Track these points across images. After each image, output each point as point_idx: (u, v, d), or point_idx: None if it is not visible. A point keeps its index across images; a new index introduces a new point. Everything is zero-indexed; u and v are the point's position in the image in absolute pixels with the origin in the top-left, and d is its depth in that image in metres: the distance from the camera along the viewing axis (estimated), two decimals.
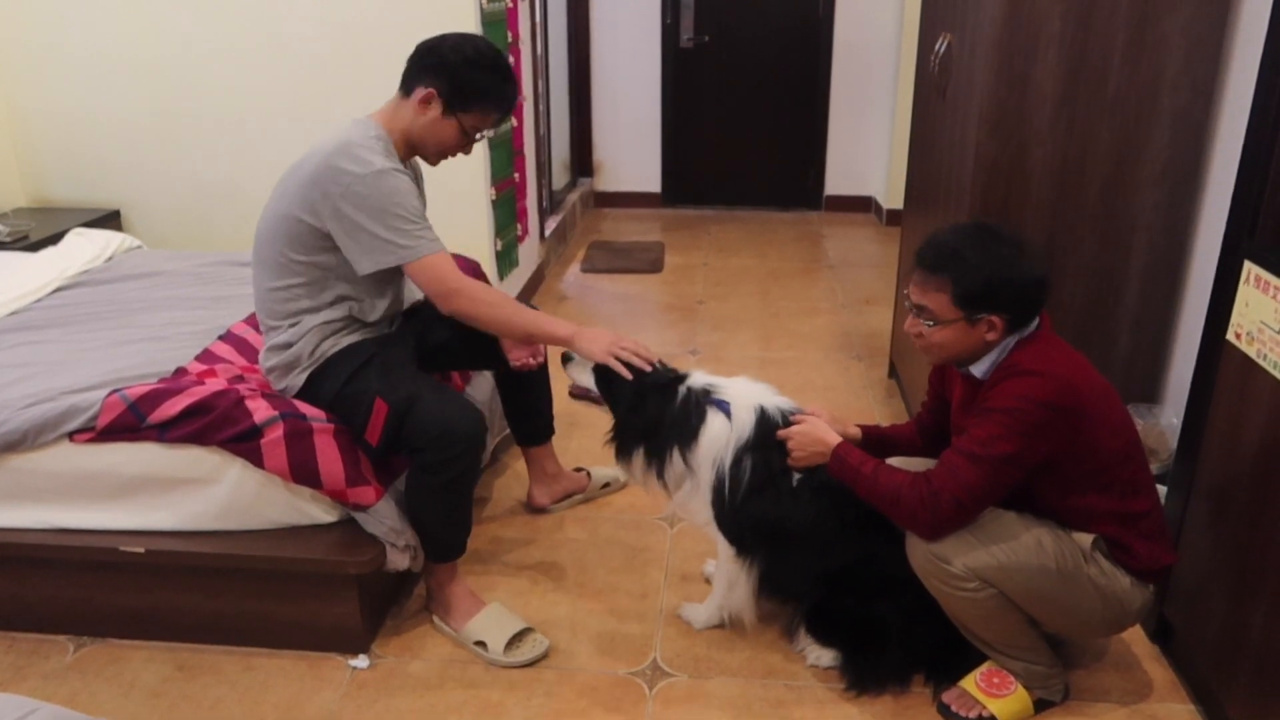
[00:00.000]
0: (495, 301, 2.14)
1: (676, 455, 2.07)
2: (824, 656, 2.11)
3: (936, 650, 2.02)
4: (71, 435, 2.10)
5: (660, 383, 2.11)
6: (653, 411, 2.08)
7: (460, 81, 2.09)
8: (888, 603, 2.01)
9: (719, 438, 2.05)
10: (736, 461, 2.04)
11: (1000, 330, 1.80)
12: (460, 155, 2.22)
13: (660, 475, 2.10)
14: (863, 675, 2.06)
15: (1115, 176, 2.44)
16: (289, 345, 2.16)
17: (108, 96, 3.80)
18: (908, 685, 2.06)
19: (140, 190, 3.94)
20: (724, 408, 2.07)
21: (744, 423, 2.05)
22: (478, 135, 2.18)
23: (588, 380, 2.19)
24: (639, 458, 2.12)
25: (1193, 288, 2.52)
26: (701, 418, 2.06)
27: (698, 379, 2.13)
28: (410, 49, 2.16)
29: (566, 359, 2.22)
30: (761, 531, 2.06)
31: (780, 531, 2.05)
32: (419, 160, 2.26)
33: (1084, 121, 2.40)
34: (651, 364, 2.13)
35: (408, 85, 2.13)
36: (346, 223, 2.03)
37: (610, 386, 2.15)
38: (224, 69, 3.72)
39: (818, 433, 2.00)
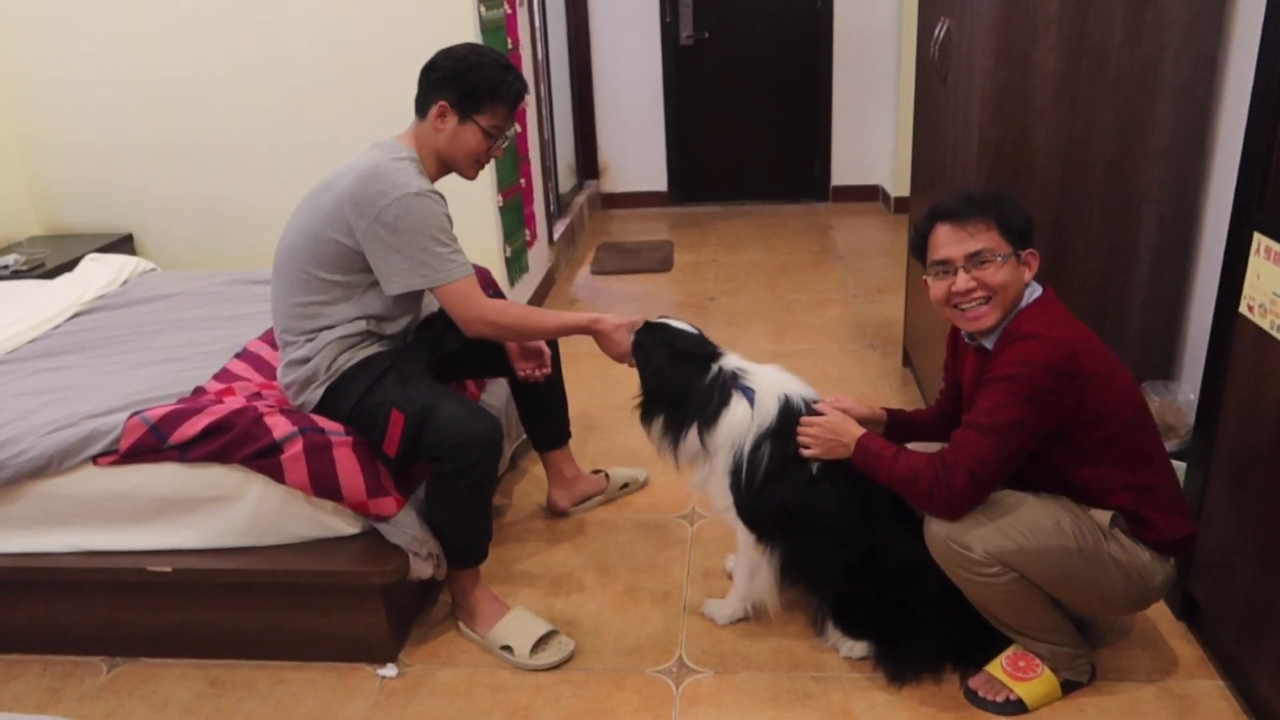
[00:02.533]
0: (518, 316, 2.20)
1: (693, 434, 2.08)
2: (856, 648, 2.11)
3: (964, 635, 2.02)
4: (95, 459, 2.12)
5: (694, 353, 2.13)
6: (679, 381, 2.10)
7: (463, 85, 2.12)
8: (912, 590, 2.00)
9: (739, 424, 2.05)
10: (755, 448, 2.04)
11: (1035, 267, 1.85)
12: (493, 160, 2.26)
13: (674, 448, 2.12)
14: (900, 665, 2.06)
15: (1120, 154, 2.44)
16: (306, 360, 2.18)
17: (116, 123, 3.84)
18: (941, 672, 2.06)
19: (152, 213, 3.98)
20: (749, 394, 2.07)
21: (767, 411, 2.06)
22: (501, 135, 2.20)
23: (626, 341, 2.23)
24: (658, 425, 2.14)
25: (1203, 262, 2.51)
26: (725, 401, 2.07)
27: (730, 360, 2.14)
28: (412, 63, 2.21)
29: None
30: (781, 519, 2.07)
31: (800, 519, 2.06)
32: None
33: (1086, 100, 2.39)
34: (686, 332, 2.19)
35: (422, 107, 2.17)
36: (380, 244, 2.06)
37: (644, 352, 2.18)
38: (229, 91, 3.75)
39: (841, 425, 2.00)
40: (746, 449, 2.05)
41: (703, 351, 2.14)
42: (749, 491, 2.05)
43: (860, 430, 1.99)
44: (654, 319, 2.24)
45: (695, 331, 2.21)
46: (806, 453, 2.02)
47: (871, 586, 2.05)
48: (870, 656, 2.10)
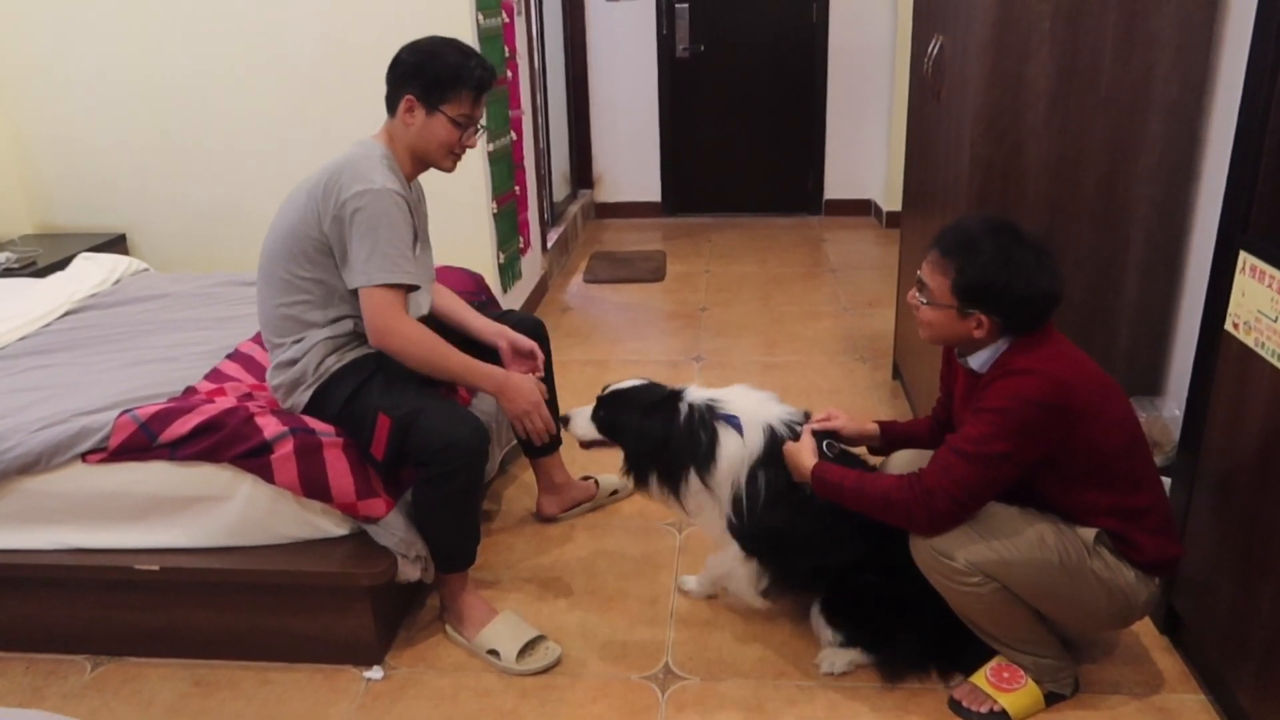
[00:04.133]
0: (427, 344, 2.13)
1: (694, 477, 2.07)
2: (838, 663, 2.12)
3: (950, 639, 2.03)
4: (84, 456, 2.12)
5: (656, 402, 2.12)
6: (658, 433, 2.09)
7: (426, 77, 2.13)
8: (902, 585, 1.99)
9: (735, 456, 2.05)
10: (751, 478, 2.05)
11: (988, 330, 1.81)
12: (469, 152, 2.25)
13: (677, 497, 2.11)
14: (891, 661, 2.08)
15: (1110, 172, 2.46)
16: (294, 362, 2.19)
17: (111, 122, 3.84)
18: (929, 669, 2.09)
19: (145, 213, 3.98)
20: (734, 423, 2.07)
21: (755, 439, 2.06)
22: (473, 124, 2.19)
23: (590, 431, 2.22)
24: (654, 483, 2.13)
25: (1191, 279, 2.53)
26: (713, 436, 2.06)
27: (695, 393, 2.14)
28: None
29: (565, 421, 2.26)
30: (775, 540, 2.08)
31: (794, 538, 2.07)
32: (420, 181, 2.30)
33: (1078, 118, 2.42)
34: (553, 434, 2.19)
35: (391, 104, 2.18)
36: (339, 237, 2.07)
37: (612, 425, 2.18)
38: (225, 91, 3.76)
39: (796, 458, 2.00)
40: (743, 480, 2.05)
41: (662, 396, 2.14)
42: (752, 520, 2.06)
43: (811, 461, 1.98)
44: (601, 392, 2.23)
45: (645, 381, 2.22)
46: (796, 480, 2.03)
47: (863, 581, 2.06)
48: (851, 670, 2.11)
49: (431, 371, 2.17)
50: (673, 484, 2.10)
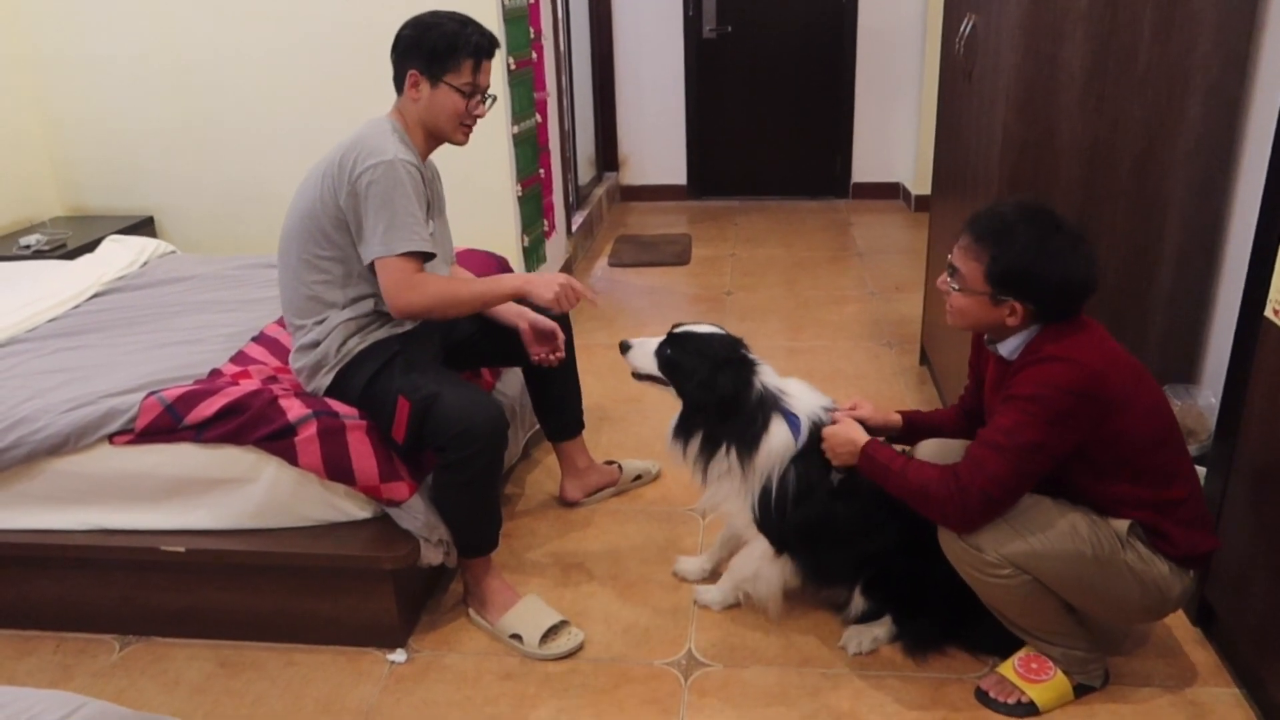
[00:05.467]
0: (445, 290, 2.12)
1: (733, 453, 2.04)
2: (864, 641, 2.11)
3: (982, 618, 1.99)
4: (111, 438, 2.14)
5: (733, 360, 2.07)
6: (727, 387, 2.03)
7: (425, 49, 2.12)
8: (933, 566, 1.96)
9: (780, 450, 2.02)
10: (783, 475, 2.03)
11: (1021, 317, 1.78)
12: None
13: (705, 462, 2.08)
14: (919, 640, 2.09)
15: (1147, 154, 2.41)
16: (316, 344, 2.19)
17: (139, 105, 3.86)
18: (953, 649, 2.09)
19: (173, 196, 4.01)
20: (792, 421, 2.03)
21: (803, 441, 2.04)
22: (479, 93, 2.17)
23: (649, 365, 2.15)
24: (697, 440, 2.09)
25: (1229, 264, 2.47)
26: (766, 424, 2.03)
27: (769, 375, 2.10)
28: None
29: (625, 347, 2.20)
30: (807, 533, 2.06)
31: (825, 530, 2.05)
32: (438, 163, 2.28)
33: (1114, 99, 2.36)
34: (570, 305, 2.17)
35: (398, 81, 2.18)
36: (355, 212, 2.07)
37: (677, 367, 2.11)
38: (250, 73, 3.76)
39: (849, 433, 1.98)
40: (776, 475, 2.03)
41: (737, 356, 2.09)
42: (779, 514, 2.04)
43: (865, 437, 1.96)
44: (677, 328, 2.17)
45: (722, 331, 2.16)
46: (835, 463, 2.01)
47: (899, 565, 2.05)
48: (875, 648, 2.10)
49: (460, 311, 2.19)
50: (710, 452, 2.07)
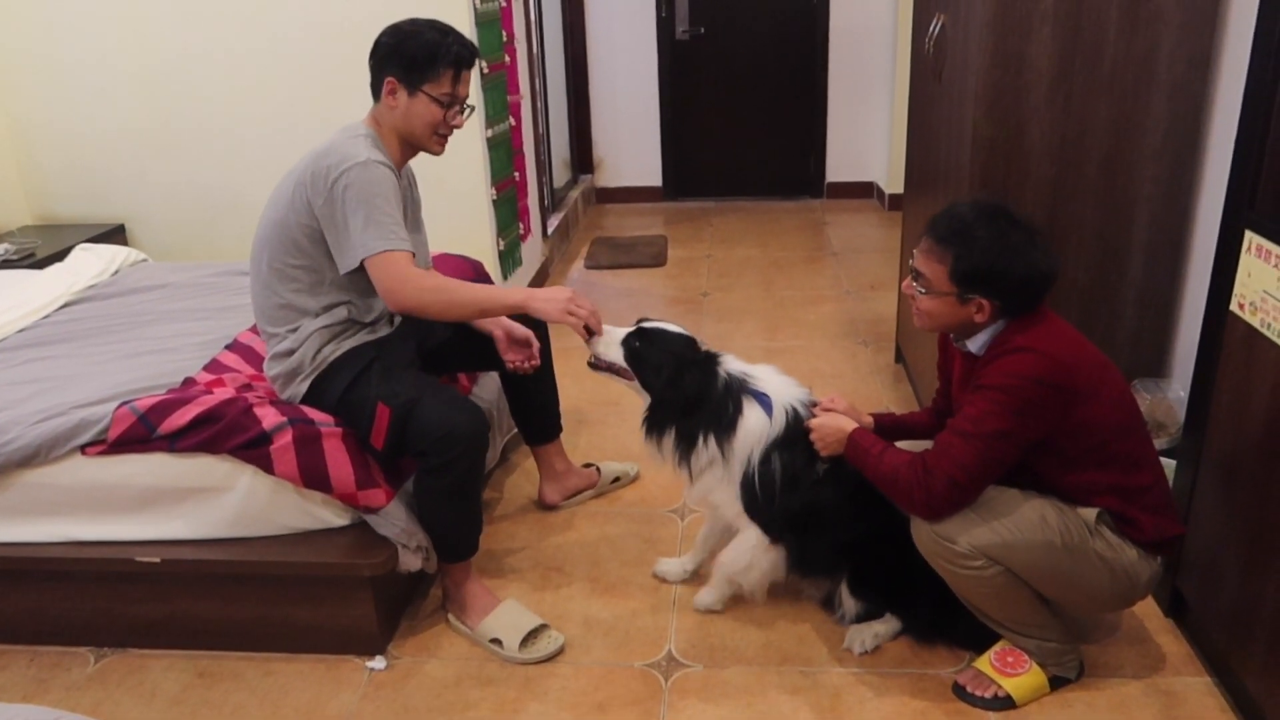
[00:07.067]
0: (440, 286, 2.11)
1: (711, 441, 2.06)
2: (867, 640, 2.12)
3: (956, 617, 2.02)
4: (83, 448, 2.12)
5: (697, 359, 2.10)
6: (693, 387, 2.06)
7: (404, 57, 2.10)
8: (915, 561, 1.98)
9: (756, 431, 2.04)
10: (765, 460, 2.04)
11: (988, 314, 1.82)
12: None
13: (687, 458, 2.10)
14: (923, 629, 2.12)
15: (1114, 151, 2.44)
16: (291, 352, 2.17)
17: (108, 111, 3.82)
18: (952, 636, 2.11)
19: (144, 204, 3.97)
20: (763, 401, 2.06)
21: (779, 420, 2.06)
22: (457, 103, 2.16)
23: (614, 354, 2.15)
24: (670, 437, 2.10)
25: (1196, 260, 2.51)
26: (739, 408, 2.05)
27: (732, 363, 2.13)
28: None
29: (589, 333, 2.17)
30: (796, 521, 2.08)
31: (813, 517, 2.07)
32: (414, 167, 2.27)
33: (1081, 98, 2.39)
34: (594, 331, 2.13)
35: (375, 89, 2.17)
36: (332, 219, 2.05)
37: (643, 360, 2.12)
38: (222, 79, 3.73)
39: (837, 422, 2.02)
40: (757, 459, 2.04)
41: (702, 354, 2.12)
42: (768, 502, 2.05)
43: (852, 425, 2.00)
44: (643, 323, 2.19)
45: (681, 330, 2.18)
46: (824, 452, 2.03)
47: (884, 552, 2.06)
48: (879, 645, 2.12)
49: (458, 314, 2.17)
50: (688, 444, 2.08)
